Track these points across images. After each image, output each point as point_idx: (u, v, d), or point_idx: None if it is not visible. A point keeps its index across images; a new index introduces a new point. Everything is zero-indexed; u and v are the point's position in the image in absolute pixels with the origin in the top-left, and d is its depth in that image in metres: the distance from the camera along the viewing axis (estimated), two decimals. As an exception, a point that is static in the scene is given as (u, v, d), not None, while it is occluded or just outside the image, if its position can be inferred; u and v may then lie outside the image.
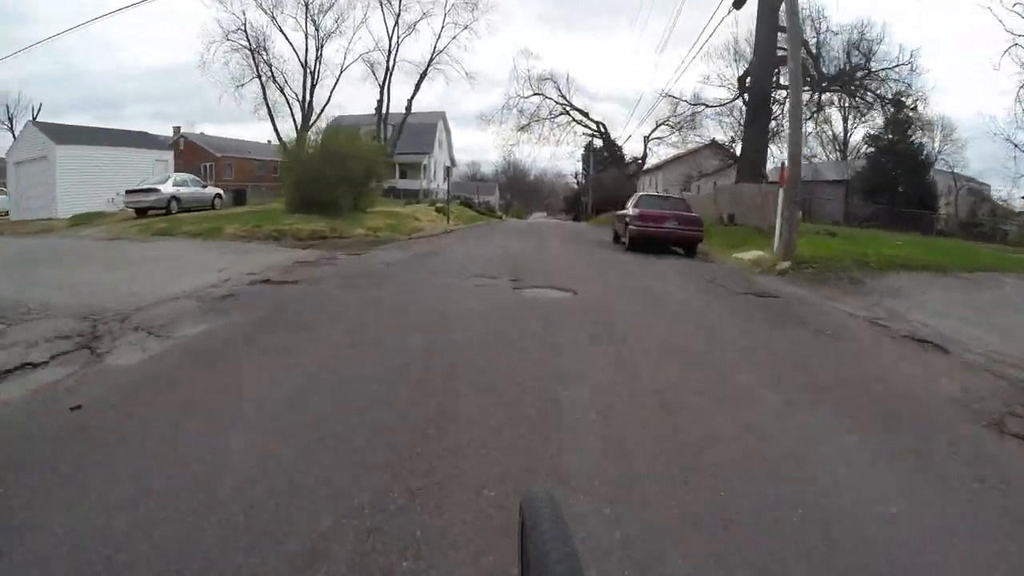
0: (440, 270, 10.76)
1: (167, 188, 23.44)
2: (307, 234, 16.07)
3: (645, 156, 37.28)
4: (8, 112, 50.30)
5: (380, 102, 45.33)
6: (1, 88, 55.94)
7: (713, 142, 45.55)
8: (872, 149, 39.97)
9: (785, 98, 26.33)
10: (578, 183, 79.12)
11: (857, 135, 45.30)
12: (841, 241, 17.49)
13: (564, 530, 0.70)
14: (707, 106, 35.33)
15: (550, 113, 36.44)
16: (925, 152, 38.06)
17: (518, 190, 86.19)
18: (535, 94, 36.42)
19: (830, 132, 61.68)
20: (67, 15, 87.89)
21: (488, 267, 11.18)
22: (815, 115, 32.88)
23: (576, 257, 14.54)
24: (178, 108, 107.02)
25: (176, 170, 43.64)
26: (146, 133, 34.29)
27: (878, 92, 28.16)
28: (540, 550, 0.66)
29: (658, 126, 36.87)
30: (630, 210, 16.59)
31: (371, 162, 23.99)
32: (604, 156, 70.31)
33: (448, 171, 30.56)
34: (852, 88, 28.16)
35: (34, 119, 39.30)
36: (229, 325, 6.49)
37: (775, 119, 27.20)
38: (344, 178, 20.88)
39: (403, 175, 49.18)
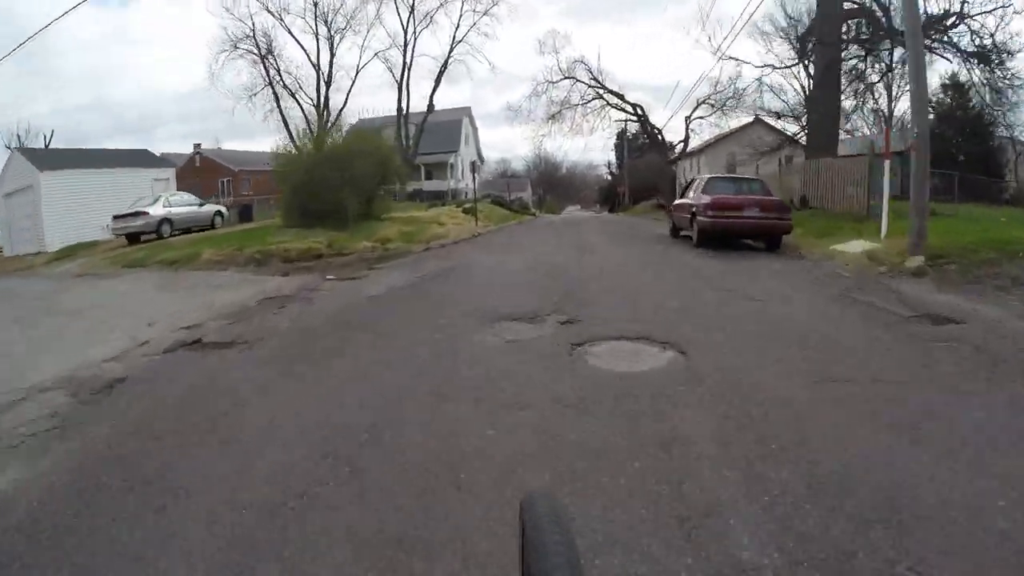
0: (451, 304, 7.38)
1: (157, 210, 20.70)
2: (298, 253, 12.95)
3: (687, 138, 33.34)
4: (20, 142, 48.60)
5: (400, 100, 42.32)
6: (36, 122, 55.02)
7: (756, 119, 41.45)
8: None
9: (854, 57, 22.36)
10: (611, 173, 75.27)
11: (902, 104, 40.74)
12: (952, 222, 13.78)
13: (565, 533, 0.68)
14: (763, 69, 31.13)
15: (582, 98, 32.77)
16: (989, 115, 33.83)
17: (550, 185, 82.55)
18: (566, 78, 32.77)
19: (871, 104, 57.12)
20: (92, 43, 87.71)
21: (523, 296, 7.61)
22: (886, 76, 28.60)
23: (639, 265, 11.06)
24: (206, 126, 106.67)
25: (193, 188, 41.42)
26: (146, 151, 31.81)
27: (964, 46, 23.90)
28: (541, 553, 0.64)
29: (699, 105, 32.92)
30: (697, 198, 13.01)
31: (383, 160, 20.84)
32: (641, 142, 66.41)
33: (474, 166, 27.13)
34: (933, 39, 23.91)
35: (21, 146, 37.17)
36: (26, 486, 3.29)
37: (852, 80, 23.11)
38: (350, 181, 17.74)
39: (429, 176, 46.16)
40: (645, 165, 60.43)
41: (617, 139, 75.36)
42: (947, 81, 34.10)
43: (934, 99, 35.43)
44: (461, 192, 45.23)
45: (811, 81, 23.41)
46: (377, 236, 15.29)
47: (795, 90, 31.92)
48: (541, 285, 8.34)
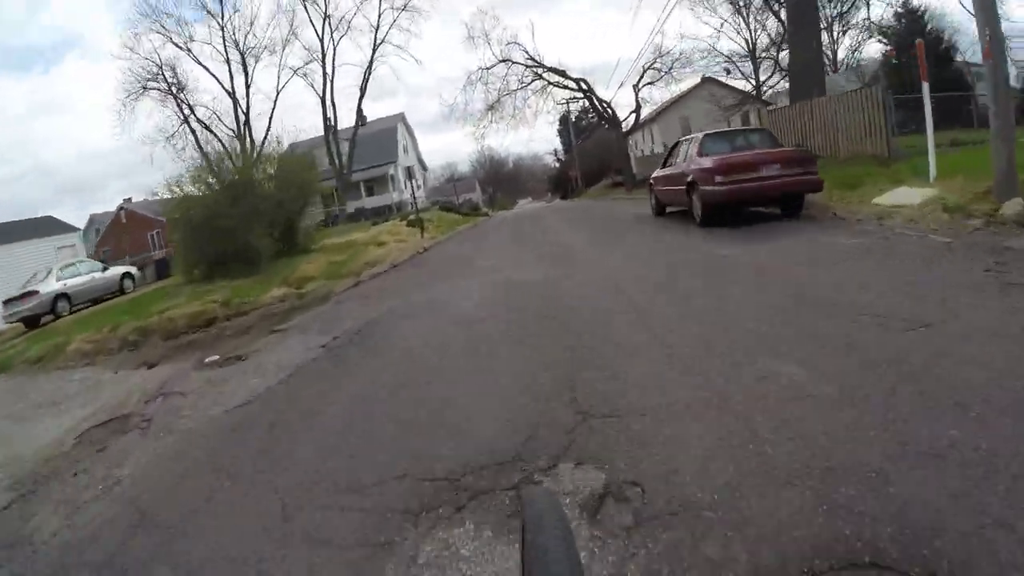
0: (343, 440, 3.84)
1: (49, 286, 17.13)
2: (186, 322, 9.50)
3: (639, 108, 30.38)
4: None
5: (325, 116, 38.73)
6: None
7: (707, 79, 38.84)
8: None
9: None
10: (558, 160, 72.50)
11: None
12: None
13: (565, 530, 0.67)
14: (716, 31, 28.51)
15: (520, 82, 29.60)
16: (946, 40, 32.38)
17: (499, 182, 79.51)
18: (501, 61, 29.54)
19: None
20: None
21: (490, 395, 3.88)
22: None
23: (641, 264, 7.96)
24: (144, 179, 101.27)
25: (121, 245, 37.19)
26: (49, 218, 27.91)
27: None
28: (540, 549, 0.64)
29: (645, 71, 30.07)
30: (690, 164, 9.91)
31: (303, 184, 17.48)
32: (587, 122, 63.67)
33: (410, 172, 23.85)
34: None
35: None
36: None
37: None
38: (260, 214, 14.38)
39: (370, 192, 42.60)
40: (594, 145, 57.73)
41: (560, 124, 72.73)
42: (900, 9, 32.32)
43: (889, 29, 33.55)
44: (406, 204, 41.82)
45: (782, 25, 20.59)
46: (295, 276, 11.92)
47: (746, 45, 29.59)
48: (520, 351, 4.79)
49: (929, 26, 31.33)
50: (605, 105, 28.70)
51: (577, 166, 51.76)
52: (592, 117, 65.68)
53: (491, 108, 30.45)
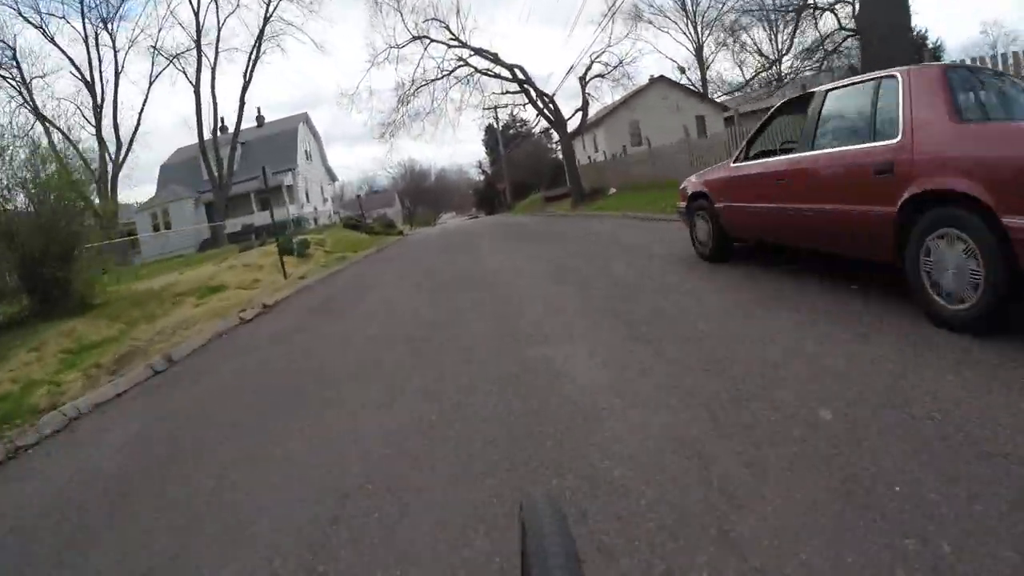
0: None
1: None
2: None
3: (586, 105, 24.17)
4: None
5: (199, 111, 30.76)
6: None
7: (659, 77, 33.36)
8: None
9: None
10: (484, 172, 66.07)
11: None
12: None
13: (565, 534, 0.66)
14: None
15: (441, 69, 22.84)
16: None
17: (420, 195, 72.24)
18: (415, 38, 22.72)
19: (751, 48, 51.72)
20: None
21: None
22: None
23: None
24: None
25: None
26: None
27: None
28: (540, 554, 0.62)
29: (593, 61, 24.01)
30: (928, 140, 3.32)
31: (53, 218, 10.07)
32: (516, 131, 57.49)
33: (261, 176, 16.75)
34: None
35: None
36: None
37: None
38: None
39: (264, 205, 34.66)
40: (525, 156, 51.70)
41: (486, 134, 66.50)
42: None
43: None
44: (307, 220, 34.20)
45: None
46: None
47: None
48: None
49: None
50: (547, 100, 22.38)
51: (506, 178, 45.49)
52: (521, 126, 60.01)
53: (402, 101, 23.58)
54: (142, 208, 38.21)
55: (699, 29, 49.08)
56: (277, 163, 34.59)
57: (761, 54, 30.08)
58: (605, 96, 27.51)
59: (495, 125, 51.21)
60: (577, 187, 22.40)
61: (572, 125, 24.42)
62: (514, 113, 61.26)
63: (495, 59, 22.05)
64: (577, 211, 20.44)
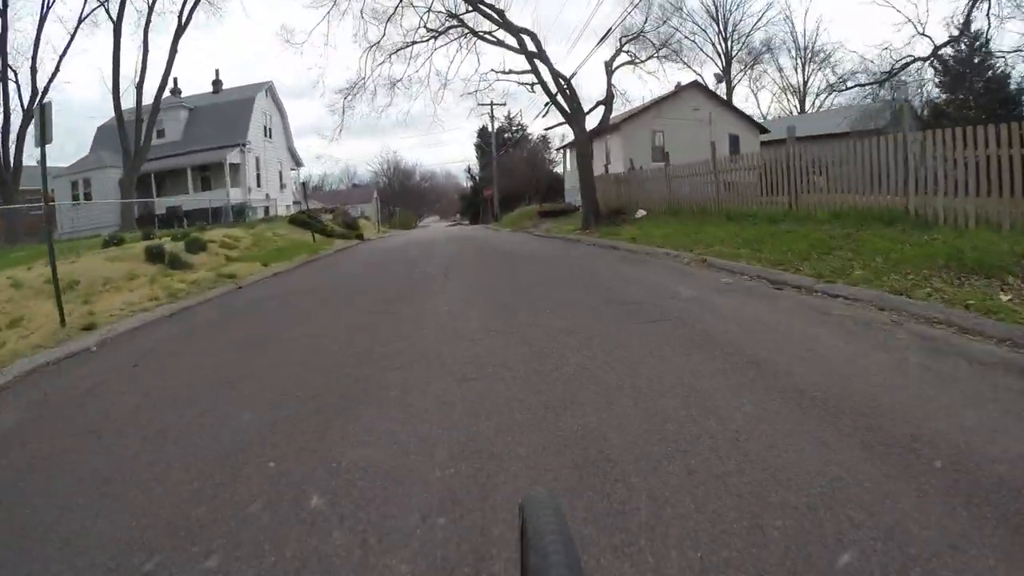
0: None
1: None
2: None
3: (610, 98, 18.06)
4: None
5: (117, 61, 24.03)
6: None
7: (693, 83, 27.46)
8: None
9: None
10: (472, 178, 59.77)
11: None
12: None
13: (565, 533, 0.64)
14: None
15: (425, 27, 16.55)
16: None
17: (402, 194, 65.64)
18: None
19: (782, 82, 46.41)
20: None
21: None
22: None
23: None
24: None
25: None
26: None
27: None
28: (540, 553, 0.60)
29: (624, 44, 18.01)
30: None
31: None
32: (512, 135, 51.28)
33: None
34: None
35: None
36: None
37: None
38: None
39: (206, 185, 27.97)
40: (519, 163, 45.44)
41: (478, 137, 60.28)
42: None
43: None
44: (252, 208, 27.59)
45: None
46: None
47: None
48: None
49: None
50: (563, 83, 16.21)
51: (495, 184, 39.36)
52: (517, 130, 53.67)
53: (369, 55, 17.23)
54: (62, 174, 31.26)
55: (729, 43, 43.80)
56: (225, 136, 28.04)
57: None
58: (632, 88, 21.69)
59: (489, 124, 45.19)
60: (592, 203, 16.20)
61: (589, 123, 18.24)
62: (511, 115, 55.45)
63: (501, 19, 15.80)
64: (591, 235, 14.24)
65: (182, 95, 32.38)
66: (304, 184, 23.14)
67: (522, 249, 13.16)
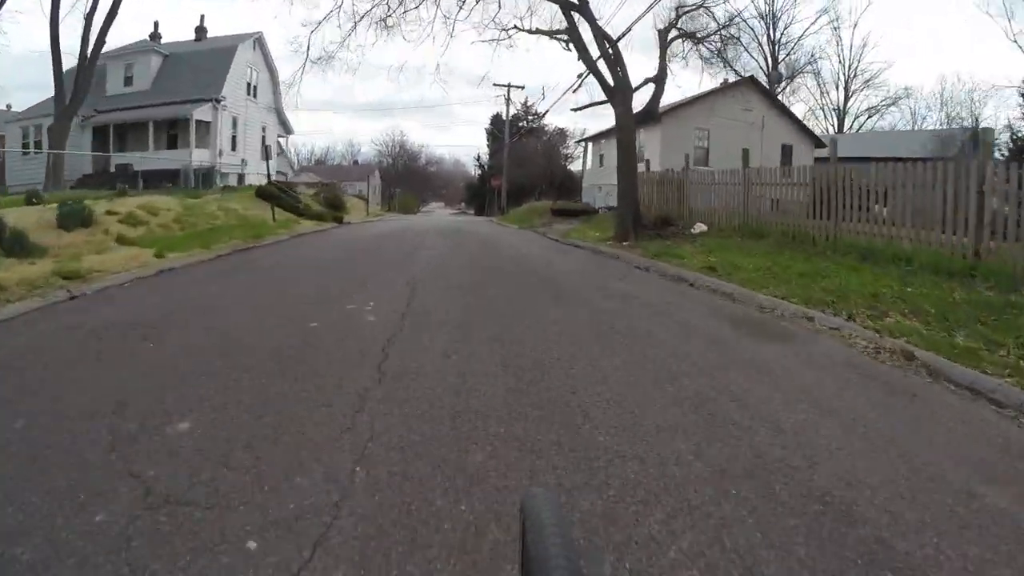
0: None
1: None
2: None
3: (663, 75, 13.97)
4: None
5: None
6: None
7: (749, 78, 23.33)
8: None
9: None
10: (480, 167, 55.51)
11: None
12: None
13: (565, 532, 0.62)
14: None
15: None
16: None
17: (408, 177, 61.31)
18: None
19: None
20: None
21: None
22: None
23: None
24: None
25: None
26: None
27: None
28: (540, 552, 0.58)
29: (680, 15, 13.94)
30: None
31: None
32: (527, 123, 47.03)
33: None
34: None
35: None
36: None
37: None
38: None
39: (172, 143, 23.72)
40: (532, 154, 41.21)
41: (491, 124, 56.01)
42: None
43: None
44: (224, 173, 23.44)
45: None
46: None
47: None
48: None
49: None
50: (608, 44, 12.09)
51: (504, 173, 35.34)
52: (532, 119, 49.07)
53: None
54: (13, 120, 27.04)
55: (776, 47, 39.52)
56: (200, 89, 23.81)
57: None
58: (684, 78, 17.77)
59: (504, 108, 40.82)
60: (632, 206, 12.10)
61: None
62: (528, 103, 50.93)
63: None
64: (633, 251, 10.13)
65: (162, 41, 28.13)
66: (267, 147, 18.82)
67: (538, 261, 9.09)
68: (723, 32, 14.85)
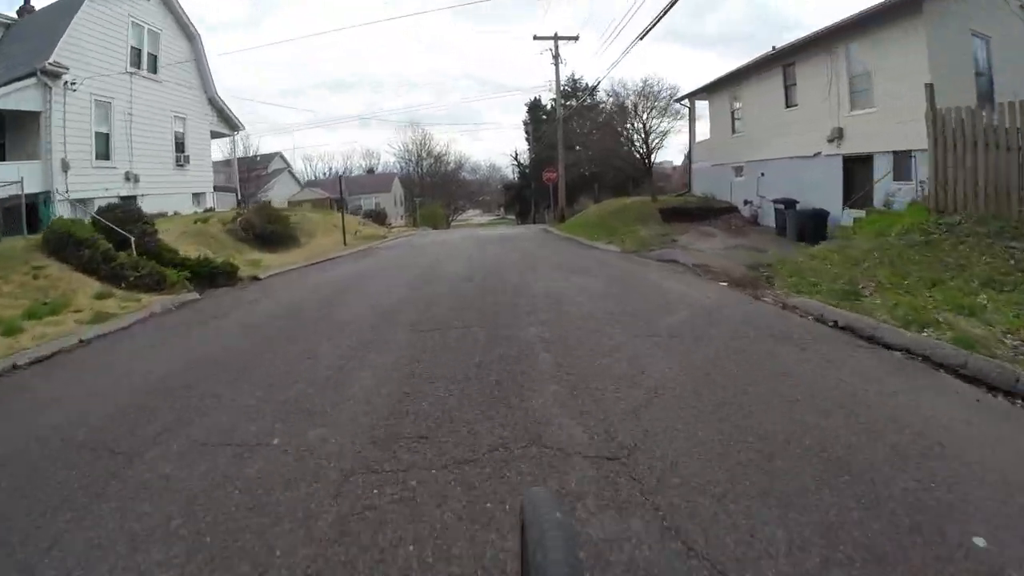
0: None
1: None
2: None
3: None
4: None
5: None
6: None
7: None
8: None
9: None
10: (518, 164, 43.85)
11: None
12: None
13: (565, 530, 0.59)
14: None
15: None
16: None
17: (436, 184, 50.18)
18: None
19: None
20: None
21: None
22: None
23: None
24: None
25: None
26: None
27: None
28: (541, 550, 0.56)
29: None
30: None
31: None
32: (579, 100, 35.20)
33: None
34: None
35: None
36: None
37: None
38: None
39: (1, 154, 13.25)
40: (586, 140, 29.31)
41: (528, 113, 44.42)
42: None
43: None
44: (85, 198, 12.89)
45: None
46: None
47: None
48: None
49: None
50: None
51: (561, 163, 23.75)
52: (584, 92, 36.08)
53: None
54: None
55: None
56: (25, 58, 13.14)
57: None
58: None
59: (554, 83, 29.23)
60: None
61: None
62: (575, 77, 38.90)
63: None
64: None
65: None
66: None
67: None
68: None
